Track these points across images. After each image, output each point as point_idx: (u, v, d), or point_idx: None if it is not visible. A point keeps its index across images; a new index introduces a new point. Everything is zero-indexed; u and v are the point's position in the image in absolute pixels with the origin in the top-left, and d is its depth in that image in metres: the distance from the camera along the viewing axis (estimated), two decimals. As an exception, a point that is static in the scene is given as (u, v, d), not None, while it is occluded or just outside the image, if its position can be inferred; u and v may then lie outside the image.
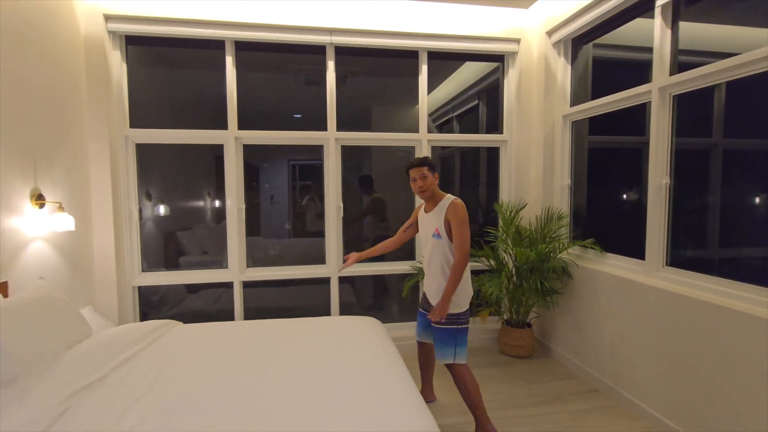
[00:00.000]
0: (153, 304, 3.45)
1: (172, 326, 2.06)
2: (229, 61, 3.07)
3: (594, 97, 2.99)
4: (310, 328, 2.09)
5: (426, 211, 2.28)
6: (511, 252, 3.14)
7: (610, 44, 3.10)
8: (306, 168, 4.91)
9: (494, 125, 3.73)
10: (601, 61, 3.19)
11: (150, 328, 1.92)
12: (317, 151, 3.36)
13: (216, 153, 3.21)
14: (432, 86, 3.51)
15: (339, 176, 3.30)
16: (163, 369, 1.53)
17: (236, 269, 3.19)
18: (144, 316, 3.28)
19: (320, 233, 3.43)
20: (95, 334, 1.86)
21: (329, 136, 3.23)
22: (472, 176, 4.17)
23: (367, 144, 3.41)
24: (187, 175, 4.30)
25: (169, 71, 3.75)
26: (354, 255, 2.43)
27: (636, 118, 2.75)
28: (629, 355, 2.46)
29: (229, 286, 3.23)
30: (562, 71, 3.24)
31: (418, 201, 2.91)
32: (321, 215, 3.44)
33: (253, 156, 3.97)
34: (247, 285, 3.28)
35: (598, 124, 3.10)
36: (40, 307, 1.69)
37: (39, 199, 2.29)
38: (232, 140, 3.10)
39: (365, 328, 2.12)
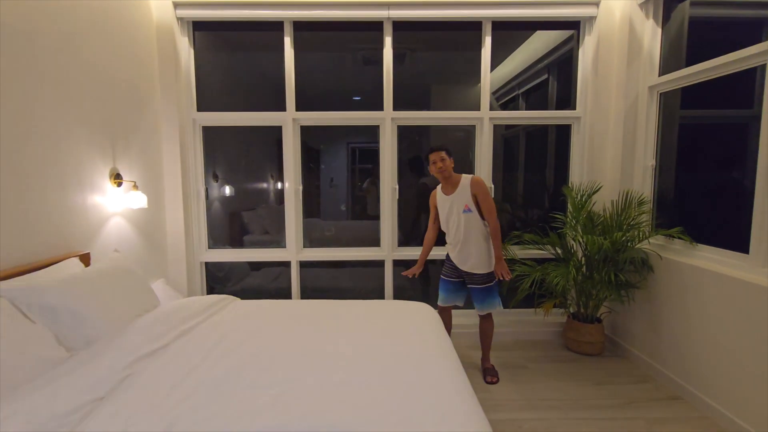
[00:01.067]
0: (219, 280, 3.65)
1: (230, 301, 2.14)
2: (288, 42, 3.08)
3: (689, 63, 2.58)
4: (361, 311, 2.06)
5: (446, 193, 2.54)
6: (580, 240, 2.87)
7: (711, 1, 2.65)
8: (365, 151, 4.87)
9: (565, 101, 3.39)
10: (699, 22, 2.74)
11: (210, 302, 2.00)
12: (377, 134, 3.28)
13: (278, 136, 3.26)
14: (496, 61, 3.27)
15: (395, 157, 3.21)
16: (217, 342, 1.58)
17: (293, 249, 3.25)
18: (210, 290, 3.49)
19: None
20: (162, 305, 1.97)
21: (385, 116, 3.14)
22: (539, 158, 3.86)
23: (425, 123, 3.27)
24: (252, 158, 4.46)
25: (233, 55, 3.85)
26: (415, 270, 2.75)
27: (742, 87, 2.33)
28: (723, 361, 2.13)
29: (287, 265, 3.32)
30: (650, 36, 2.83)
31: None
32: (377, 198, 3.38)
33: (314, 139, 3.99)
34: (304, 265, 3.34)
35: (692, 95, 2.68)
36: (114, 277, 1.82)
37: (117, 178, 2.47)
38: (290, 121, 3.13)
39: (417, 314, 2.03)
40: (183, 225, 3.07)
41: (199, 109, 3.16)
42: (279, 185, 4.86)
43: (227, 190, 4.02)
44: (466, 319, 3.25)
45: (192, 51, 3.11)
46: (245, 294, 3.60)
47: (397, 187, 3.23)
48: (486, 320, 2.65)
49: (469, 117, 3.20)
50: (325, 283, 3.60)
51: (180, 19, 3.00)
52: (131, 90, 2.67)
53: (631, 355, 2.87)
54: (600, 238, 2.63)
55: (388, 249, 3.26)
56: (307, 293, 3.38)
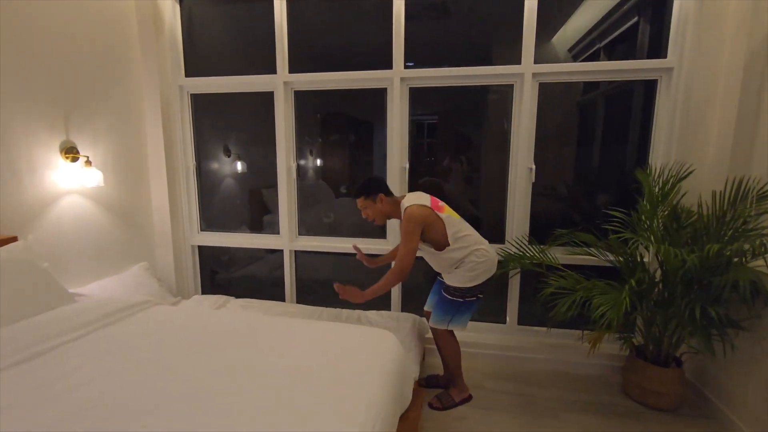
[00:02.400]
0: (223, 264, 3.38)
1: (145, 308, 1.72)
2: (277, -13, 2.54)
3: None
4: (299, 337, 1.53)
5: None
6: (654, 249, 1.97)
7: None
8: (432, 126, 4.19)
9: (659, 49, 2.39)
10: None
11: (114, 309, 1.59)
12: (436, 103, 2.66)
13: (323, 110, 2.82)
14: (571, 7, 2.40)
15: (405, 127, 2.55)
16: (44, 384, 1.16)
17: (287, 236, 2.81)
18: (212, 276, 3.23)
19: (474, 202, 2.75)
20: (62, 308, 1.63)
21: (393, 75, 2.48)
22: (619, 130, 2.87)
23: (445, 84, 2.52)
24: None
25: (229, 9, 3.38)
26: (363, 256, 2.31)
27: None
28: None
29: (280, 254, 2.90)
30: (805, -73, 1.75)
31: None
32: (469, 179, 2.74)
33: (368, 111, 3.46)
34: (302, 252, 2.90)
35: None
36: None
37: (70, 152, 2.19)
38: (280, 86, 2.62)
39: (372, 349, 1.44)
40: (168, 205, 2.79)
41: (190, 75, 2.79)
42: (318, 162, 4.43)
43: (239, 166, 3.70)
44: (486, 335, 2.56)
45: (177, 6, 2.72)
46: (243, 282, 3.28)
47: (407, 166, 2.58)
48: (440, 334, 2.10)
49: (504, 73, 2.39)
50: (327, 274, 3.11)
51: (160, -30, 2.62)
52: (98, 50, 2.36)
53: (726, 421, 1.95)
54: (683, 252, 1.74)
55: (395, 242, 2.66)
56: (303, 285, 2.95)
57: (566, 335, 2.49)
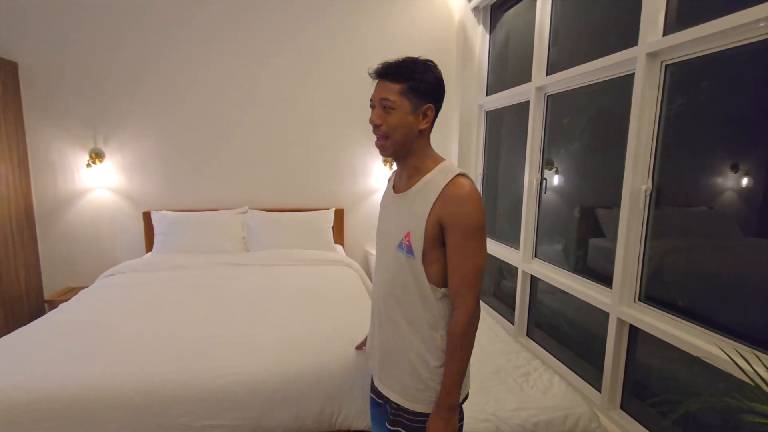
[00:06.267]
0: (510, 272, 3.46)
1: (332, 264, 2.44)
2: (544, -14, 2.33)
3: None
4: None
5: (396, 190, 1.11)
6: None
7: None
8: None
9: None
10: None
11: (312, 258, 2.50)
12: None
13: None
14: None
15: (650, 127, 1.67)
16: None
17: (522, 254, 2.58)
18: (499, 279, 3.42)
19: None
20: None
21: (638, 53, 1.67)
22: None
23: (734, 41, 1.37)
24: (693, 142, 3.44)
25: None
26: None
27: None
28: None
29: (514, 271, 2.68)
30: None
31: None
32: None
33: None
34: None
35: None
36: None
37: (386, 162, 3.25)
38: (533, 92, 2.42)
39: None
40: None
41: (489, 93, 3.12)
42: (745, 181, 3.47)
43: (555, 180, 3.50)
44: None
45: (487, 36, 3.08)
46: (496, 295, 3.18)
47: (648, 186, 1.69)
48: None
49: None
50: (557, 305, 2.47)
51: (475, 9, 3.06)
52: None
53: None
54: None
55: (617, 295, 1.82)
56: (536, 309, 2.60)
57: None
